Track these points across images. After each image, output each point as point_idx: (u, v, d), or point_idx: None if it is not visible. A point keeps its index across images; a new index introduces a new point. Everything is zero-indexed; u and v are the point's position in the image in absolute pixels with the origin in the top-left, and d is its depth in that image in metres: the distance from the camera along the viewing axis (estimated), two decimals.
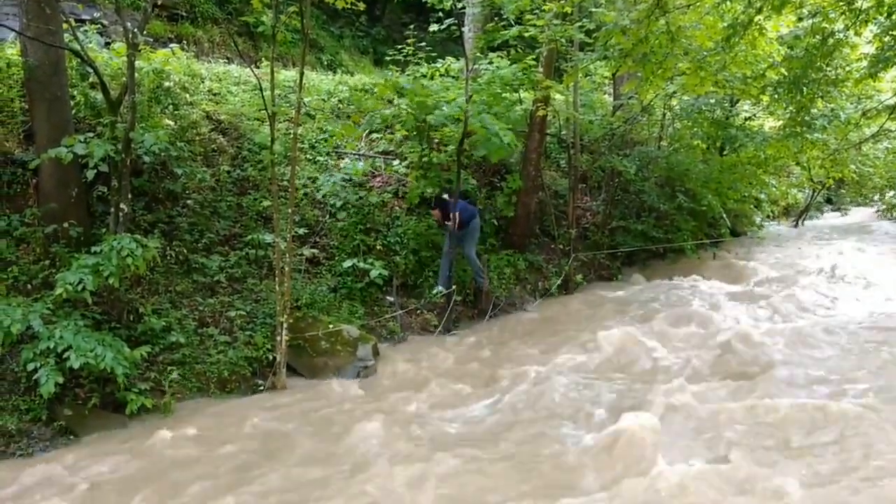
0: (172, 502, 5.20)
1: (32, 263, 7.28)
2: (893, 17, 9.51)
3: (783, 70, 11.19)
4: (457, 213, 9.59)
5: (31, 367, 6.19)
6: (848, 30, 9.98)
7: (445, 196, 9.93)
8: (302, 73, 8.11)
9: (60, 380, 6.14)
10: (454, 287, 9.75)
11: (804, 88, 11.68)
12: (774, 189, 16.62)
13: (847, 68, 12.37)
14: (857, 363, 7.26)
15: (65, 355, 6.16)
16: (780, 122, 14.30)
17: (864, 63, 11.43)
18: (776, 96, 12.50)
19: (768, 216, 19.16)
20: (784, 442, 5.48)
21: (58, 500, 5.30)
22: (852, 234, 17.00)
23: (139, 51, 7.69)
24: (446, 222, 9.74)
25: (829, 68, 11.75)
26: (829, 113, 13.61)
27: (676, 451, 5.42)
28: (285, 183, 9.21)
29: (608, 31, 8.98)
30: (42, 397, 6.22)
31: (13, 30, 7.87)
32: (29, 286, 7.08)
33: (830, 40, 10.38)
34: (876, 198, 22.70)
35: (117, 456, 5.98)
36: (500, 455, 5.65)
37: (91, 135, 7.22)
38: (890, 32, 10.07)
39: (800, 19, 11.22)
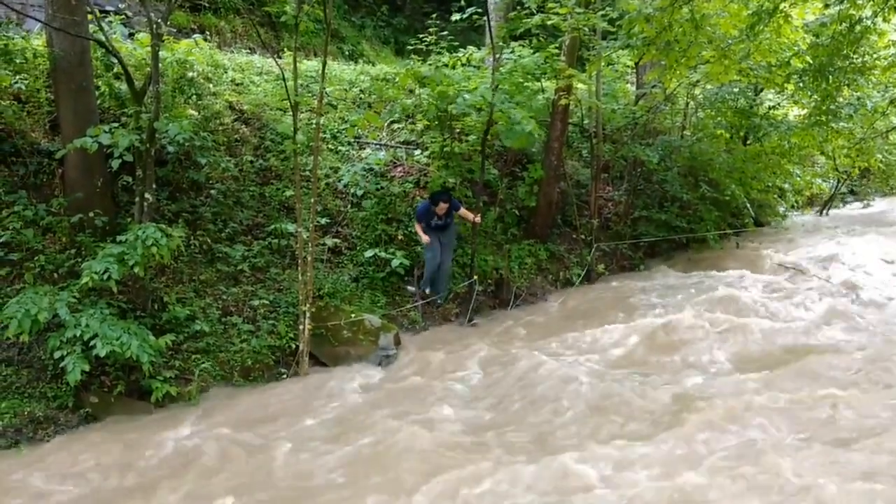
0: (199, 485, 5.26)
1: (58, 252, 7.35)
2: None
3: (809, 58, 11.04)
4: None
5: (57, 354, 6.27)
6: (876, 16, 9.82)
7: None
8: (324, 63, 8.12)
9: (86, 367, 6.22)
10: (475, 277, 9.72)
11: (830, 77, 11.52)
12: (798, 179, 16.38)
13: (874, 56, 12.18)
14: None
15: (91, 343, 6.23)
16: (805, 110, 14.12)
17: (892, 50, 11.28)
18: (801, 85, 12.35)
19: (792, 206, 18.94)
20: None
21: (88, 484, 5.38)
22: (878, 225, 16.76)
23: (163, 41, 7.73)
24: (447, 219, 9.38)
25: (855, 56, 11.58)
26: (855, 101, 13.42)
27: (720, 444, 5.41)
28: (308, 173, 9.24)
29: (632, 19, 8.92)
30: (68, 385, 6.30)
31: (39, 20, 7.93)
32: (55, 275, 7.16)
33: (858, 27, 10.21)
34: None
35: (143, 442, 6.05)
36: (522, 445, 5.66)
37: (116, 125, 7.26)
38: None
39: (826, 6, 11.06)
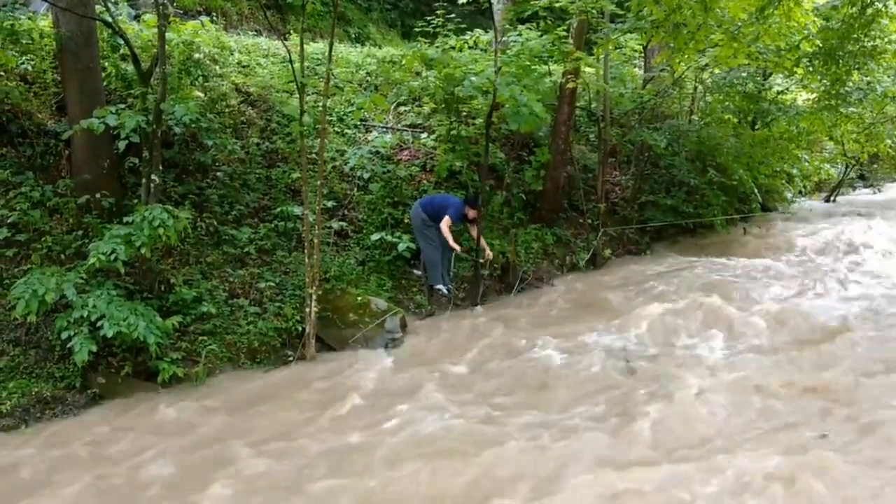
0: (197, 470, 5.29)
1: (66, 233, 7.37)
2: None
3: (818, 42, 10.95)
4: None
5: (65, 335, 6.30)
6: None
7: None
8: (331, 45, 8.08)
9: (94, 348, 6.25)
10: (482, 260, 9.71)
11: (840, 61, 11.44)
12: (807, 164, 16.29)
13: (885, 40, 12.08)
14: None
15: (98, 324, 6.26)
16: (814, 95, 14.03)
17: None
18: (811, 69, 12.24)
19: (800, 192, 18.85)
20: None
21: (99, 462, 5.42)
22: (888, 211, 16.67)
23: (169, 22, 7.70)
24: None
25: (866, 39, 11.48)
26: (865, 86, 13.31)
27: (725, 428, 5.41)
28: (314, 155, 9.22)
29: (640, 2, 8.85)
30: (76, 365, 6.35)
31: (46, 1, 7.91)
32: (62, 256, 7.17)
33: (869, 11, 10.14)
34: None
35: (150, 424, 6.09)
36: (526, 430, 5.65)
37: (122, 106, 7.25)
38: None
39: None
